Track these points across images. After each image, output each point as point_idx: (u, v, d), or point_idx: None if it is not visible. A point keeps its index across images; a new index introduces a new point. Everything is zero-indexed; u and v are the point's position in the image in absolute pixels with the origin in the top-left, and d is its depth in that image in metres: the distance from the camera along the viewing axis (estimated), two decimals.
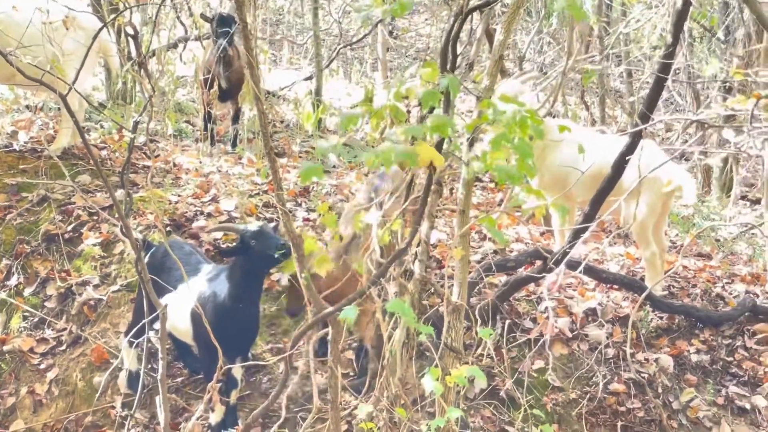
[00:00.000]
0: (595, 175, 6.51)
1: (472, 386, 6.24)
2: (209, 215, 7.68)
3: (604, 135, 8.68)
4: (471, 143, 4.15)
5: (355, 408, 5.19)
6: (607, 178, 6.36)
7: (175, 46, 12.24)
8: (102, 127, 10.01)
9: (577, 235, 6.12)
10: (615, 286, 7.35)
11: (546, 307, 6.89)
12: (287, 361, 4.70)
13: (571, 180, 6.75)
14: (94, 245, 7.42)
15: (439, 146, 4.23)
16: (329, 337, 4.97)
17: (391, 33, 19.19)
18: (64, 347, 6.86)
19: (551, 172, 7.22)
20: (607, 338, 6.86)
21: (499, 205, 9.07)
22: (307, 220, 7.85)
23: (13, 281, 7.35)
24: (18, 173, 8.22)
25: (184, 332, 6.13)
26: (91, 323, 6.99)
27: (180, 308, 5.97)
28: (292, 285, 5.88)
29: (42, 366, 6.76)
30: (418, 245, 4.43)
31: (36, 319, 7.11)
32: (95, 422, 6.47)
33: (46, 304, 7.21)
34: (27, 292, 7.26)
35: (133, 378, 6.43)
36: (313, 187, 8.61)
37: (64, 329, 6.93)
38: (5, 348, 6.90)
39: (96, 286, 7.17)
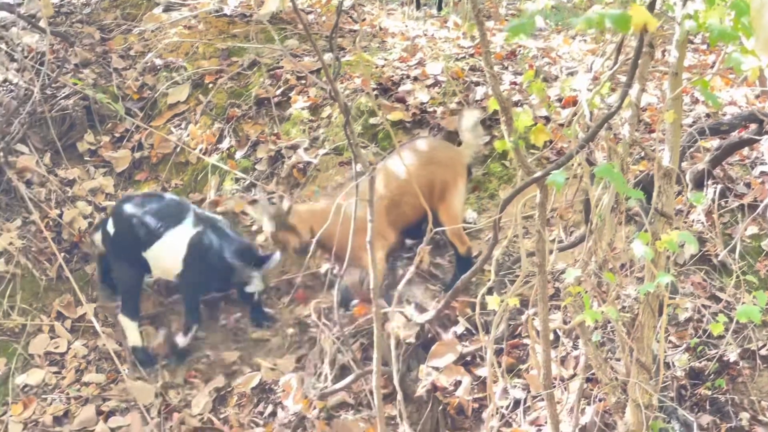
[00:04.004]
0: None
1: (682, 251, 6.13)
2: (416, 79, 7.68)
3: None
4: (685, 1, 4.01)
5: (563, 272, 5.16)
6: None
7: None
8: None
9: None
10: None
11: (761, 172, 6.69)
12: (496, 224, 4.71)
13: None
14: (303, 109, 7.53)
15: (651, 6, 4.10)
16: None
17: None
18: None
19: None
20: None
21: (712, 66, 8.79)
22: (514, 83, 7.76)
23: (225, 144, 7.55)
24: (228, 38, 8.38)
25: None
26: (301, 186, 7.14)
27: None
28: None
29: (254, 228, 6.96)
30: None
31: (247, 182, 7.30)
32: (304, 282, 6.68)
33: (256, 166, 7.39)
34: (238, 155, 7.46)
35: (140, 352, 6.38)
36: (520, 51, 8.49)
37: (274, 192, 7.09)
38: (219, 209, 7.12)
39: (305, 149, 7.29)
